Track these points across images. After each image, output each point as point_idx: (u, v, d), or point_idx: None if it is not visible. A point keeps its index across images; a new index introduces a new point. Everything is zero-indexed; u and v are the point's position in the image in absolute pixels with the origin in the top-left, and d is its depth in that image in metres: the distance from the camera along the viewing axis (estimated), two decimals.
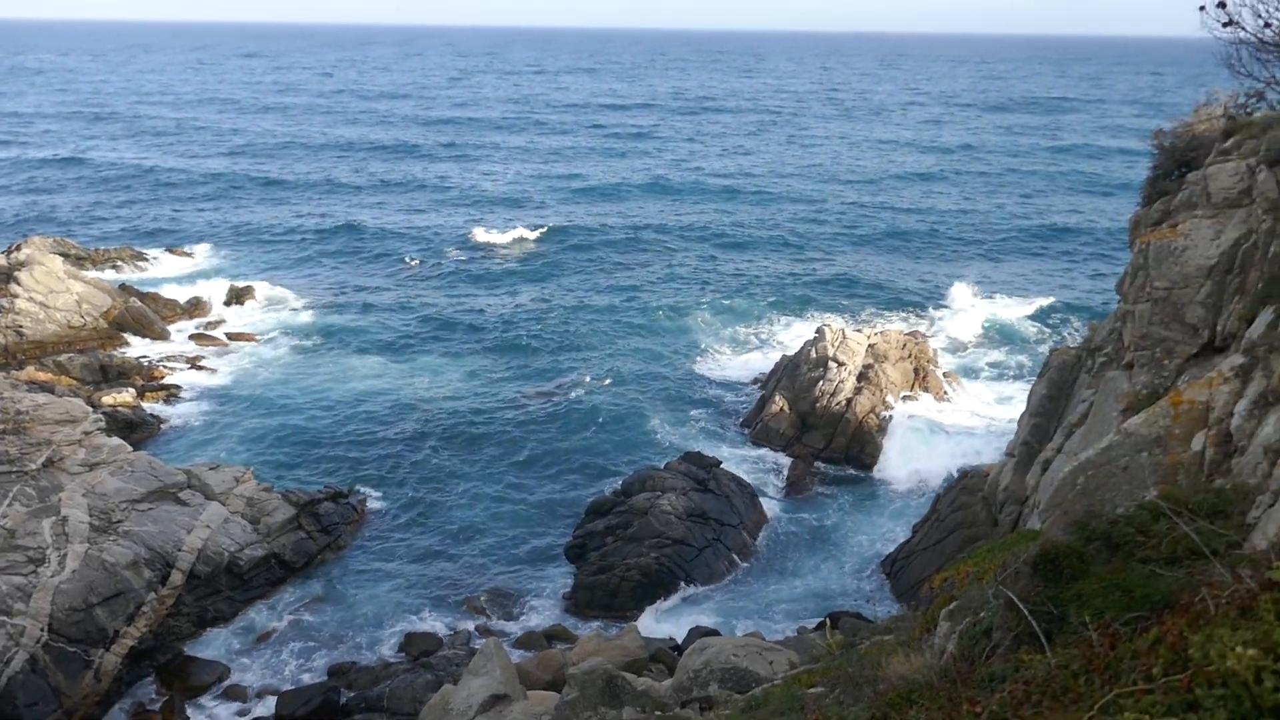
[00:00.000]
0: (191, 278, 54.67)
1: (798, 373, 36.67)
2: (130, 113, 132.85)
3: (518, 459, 34.13)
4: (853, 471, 33.83)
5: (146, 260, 57.85)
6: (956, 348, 45.39)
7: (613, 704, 12.08)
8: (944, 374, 39.77)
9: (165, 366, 40.83)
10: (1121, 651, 3.94)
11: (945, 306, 51.45)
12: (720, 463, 31.25)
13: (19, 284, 42.08)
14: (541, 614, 25.68)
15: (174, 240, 63.60)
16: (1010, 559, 7.16)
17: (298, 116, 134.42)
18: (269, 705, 21.69)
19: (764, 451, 34.85)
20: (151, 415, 36.07)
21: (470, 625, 24.99)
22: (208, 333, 45.69)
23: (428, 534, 29.42)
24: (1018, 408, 28.76)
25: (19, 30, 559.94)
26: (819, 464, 34.15)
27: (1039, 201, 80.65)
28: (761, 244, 65.10)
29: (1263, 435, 9.57)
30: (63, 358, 38.64)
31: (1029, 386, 26.66)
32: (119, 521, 24.22)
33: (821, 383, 35.60)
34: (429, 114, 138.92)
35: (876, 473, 33.65)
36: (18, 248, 49.51)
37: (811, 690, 9.41)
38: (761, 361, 43.04)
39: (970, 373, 42.30)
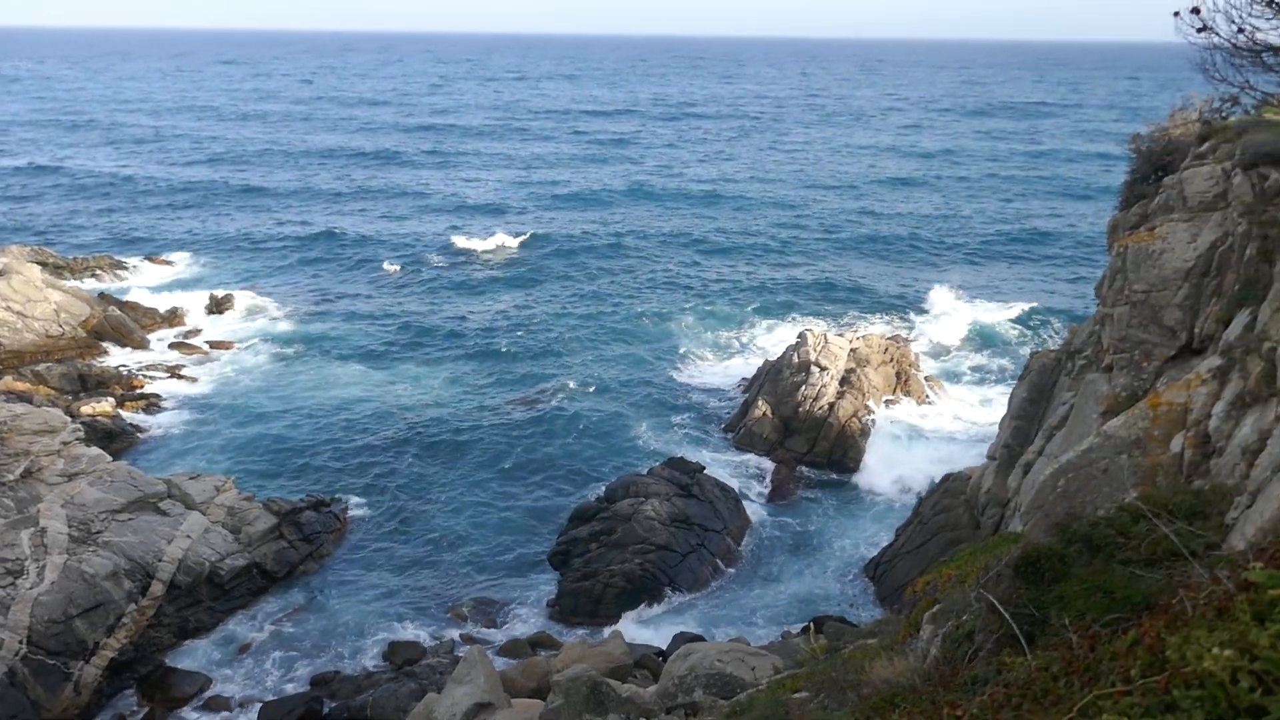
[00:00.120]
0: (171, 286, 54.34)
1: (780, 377, 36.76)
2: (108, 120, 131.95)
3: (501, 466, 34.05)
4: (836, 475, 33.94)
5: (125, 269, 57.43)
6: (938, 351, 45.62)
7: (598, 711, 12.07)
8: (926, 378, 39.99)
9: (145, 375, 40.51)
10: (1100, 653, 3.97)
11: (926, 310, 51.71)
12: (704, 468, 31.27)
13: None
14: (525, 621, 25.61)
15: (153, 248, 63.24)
16: (992, 562, 7.20)
17: (277, 123, 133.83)
18: (251, 716, 21.55)
19: (747, 456, 34.92)
20: (131, 425, 35.76)
21: (454, 633, 24.89)
22: (188, 341, 45.37)
23: (410, 542, 29.30)
24: (999, 411, 28.92)
25: None
26: (802, 468, 34.24)
27: (1019, 205, 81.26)
28: (743, 249, 65.26)
29: (1240, 436, 9.66)
30: (41, 367, 38.32)
31: (1010, 389, 26.80)
32: (98, 532, 24.01)
33: (804, 387, 35.70)
34: (409, 120, 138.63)
35: (859, 477, 33.78)
36: None
37: (796, 695, 9.44)
38: (744, 366, 43.13)
39: (952, 376, 42.55)
